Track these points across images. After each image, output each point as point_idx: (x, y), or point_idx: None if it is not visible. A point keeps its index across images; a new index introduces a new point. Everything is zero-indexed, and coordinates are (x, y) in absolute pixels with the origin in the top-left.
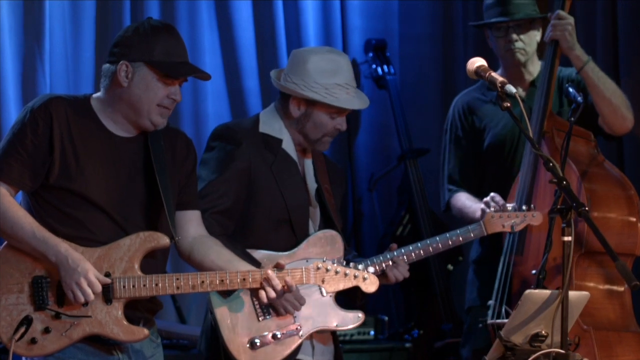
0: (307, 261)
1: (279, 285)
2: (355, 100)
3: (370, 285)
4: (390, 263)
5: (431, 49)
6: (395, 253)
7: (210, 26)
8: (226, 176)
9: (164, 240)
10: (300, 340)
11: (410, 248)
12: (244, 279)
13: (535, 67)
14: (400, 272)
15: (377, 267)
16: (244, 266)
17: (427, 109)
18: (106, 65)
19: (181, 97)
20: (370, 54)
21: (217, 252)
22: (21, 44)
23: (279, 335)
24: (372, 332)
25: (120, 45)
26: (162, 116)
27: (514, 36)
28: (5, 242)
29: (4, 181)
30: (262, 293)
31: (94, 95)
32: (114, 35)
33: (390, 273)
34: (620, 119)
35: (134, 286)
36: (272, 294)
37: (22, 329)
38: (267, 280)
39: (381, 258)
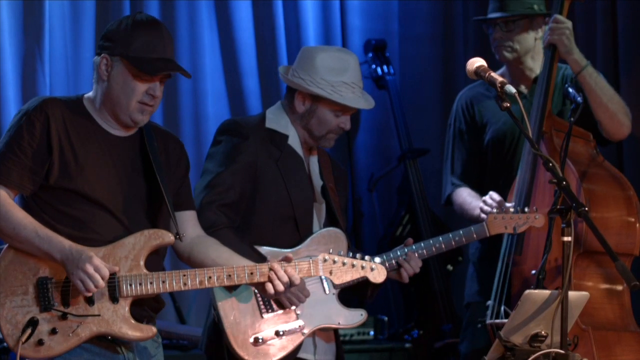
0: (310, 259)
1: (285, 277)
2: (360, 99)
3: (378, 275)
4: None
5: (431, 49)
6: (398, 253)
7: (210, 26)
8: (233, 169)
9: (169, 237)
10: (303, 338)
11: (413, 248)
12: (251, 273)
13: (537, 64)
14: (412, 267)
15: (390, 263)
16: (245, 263)
17: (427, 109)
18: (94, 57)
19: (161, 93)
20: (370, 54)
21: (217, 251)
22: (21, 44)
23: (282, 332)
24: (372, 332)
25: (104, 38)
26: (142, 113)
27: (500, 34)
28: (7, 245)
29: (3, 184)
30: (269, 286)
31: (86, 95)
32: None
33: (402, 271)
34: (617, 124)
35: (140, 284)
36: (280, 287)
37: (29, 331)
38: (274, 272)
39: (392, 255)
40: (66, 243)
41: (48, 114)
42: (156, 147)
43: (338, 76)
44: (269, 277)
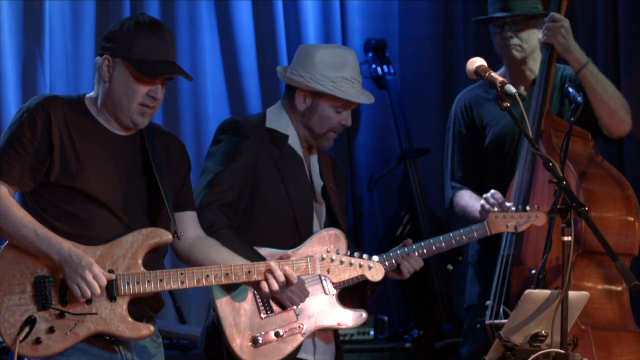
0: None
1: (281, 276)
2: (360, 95)
3: (376, 273)
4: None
5: (431, 49)
6: (398, 252)
7: (210, 26)
8: (232, 168)
9: (167, 236)
10: (302, 339)
11: (414, 247)
12: (249, 272)
13: (537, 65)
14: (412, 265)
15: (389, 263)
16: (244, 263)
17: (427, 109)
18: (96, 58)
19: (162, 95)
20: (370, 54)
21: (216, 252)
22: (21, 45)
23: (281, 333)
24: (372, 332)
25: (107, 38)
26: (142, 116)
27: (509, 33)
28: (6, 243)
29: (4, 181)
30: (264, 284)
31: (87, 95)
32: None
33: (402, 267)
34: (617, 122)
35: (138, 282)
36: (275, 286)
37: (26, 330)
38: (270, 271)
39: (391, 254)
40: (65, 245)
41: (49, 112)
42: (157, 147)
43: (338, 72)
44: (264, 275)
